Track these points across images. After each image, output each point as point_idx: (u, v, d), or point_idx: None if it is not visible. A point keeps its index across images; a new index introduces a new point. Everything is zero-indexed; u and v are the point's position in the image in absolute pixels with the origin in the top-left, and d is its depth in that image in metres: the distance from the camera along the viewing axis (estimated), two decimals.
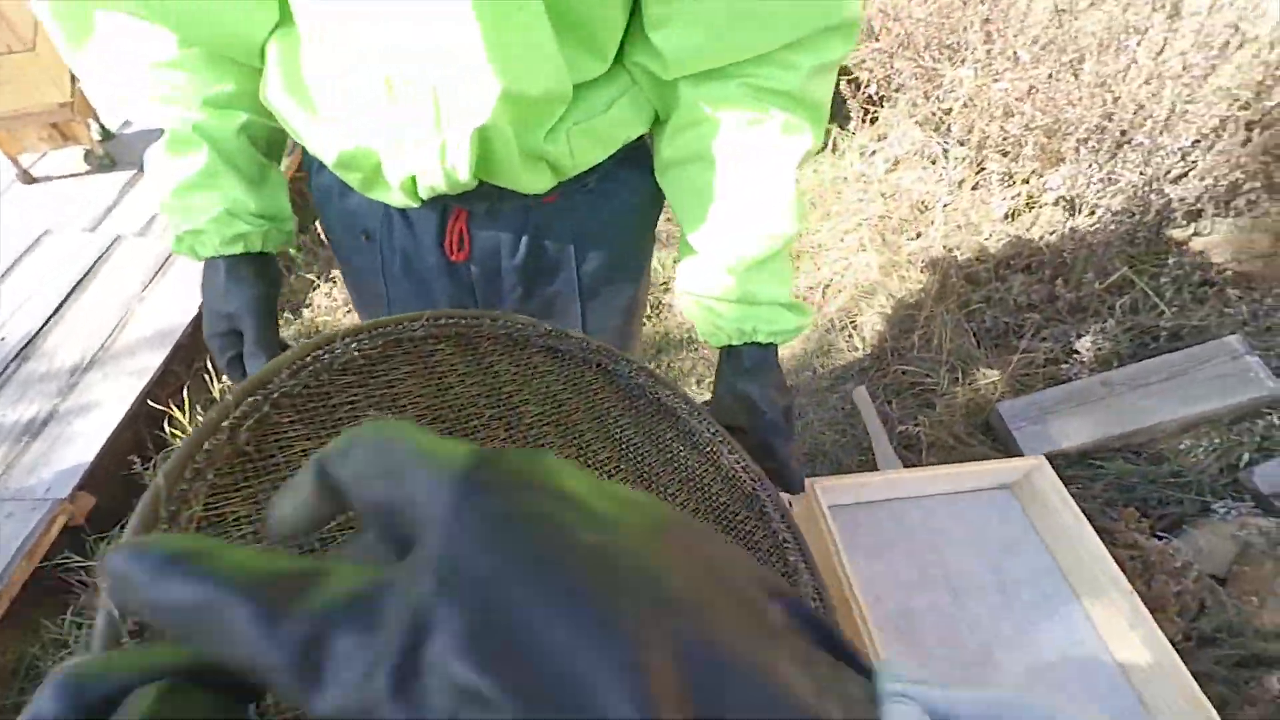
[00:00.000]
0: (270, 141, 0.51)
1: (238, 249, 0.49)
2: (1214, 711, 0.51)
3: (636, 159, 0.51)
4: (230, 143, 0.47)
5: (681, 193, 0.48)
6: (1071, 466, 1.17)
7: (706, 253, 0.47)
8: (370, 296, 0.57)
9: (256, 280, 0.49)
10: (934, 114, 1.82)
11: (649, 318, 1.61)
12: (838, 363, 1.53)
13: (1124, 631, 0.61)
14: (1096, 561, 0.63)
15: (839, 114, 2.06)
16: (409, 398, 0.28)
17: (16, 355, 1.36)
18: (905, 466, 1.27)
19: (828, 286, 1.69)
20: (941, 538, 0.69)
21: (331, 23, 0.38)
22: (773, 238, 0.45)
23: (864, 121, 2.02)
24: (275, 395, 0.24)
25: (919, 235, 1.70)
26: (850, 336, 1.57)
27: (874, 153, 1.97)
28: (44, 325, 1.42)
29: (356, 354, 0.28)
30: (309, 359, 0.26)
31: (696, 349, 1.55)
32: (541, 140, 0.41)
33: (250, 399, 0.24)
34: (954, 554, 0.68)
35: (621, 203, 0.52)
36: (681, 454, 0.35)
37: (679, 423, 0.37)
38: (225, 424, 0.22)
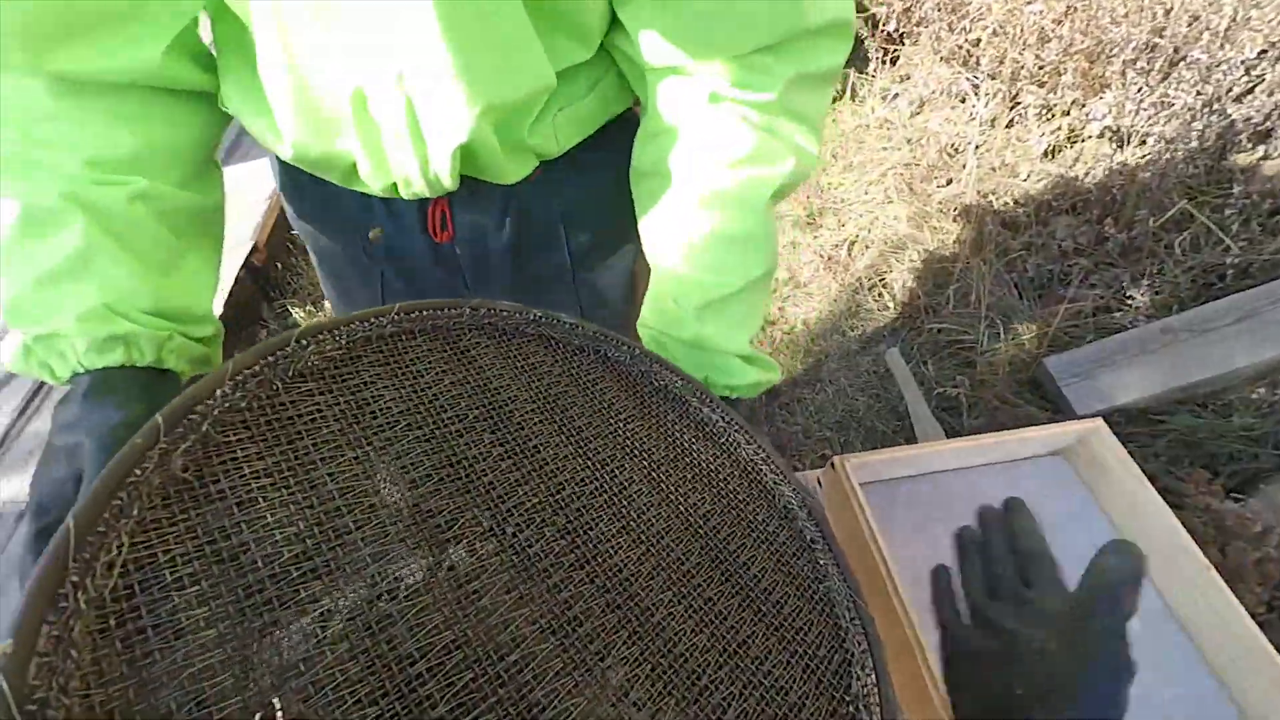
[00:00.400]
0: (191, 217, 0.39)
1: (114, 357, 0.34)
2: None
3: (623, 126, 0.46)
4: (120, 216, 0.35)
5: (643, 207, 0.43)
6: (1130, 424, 1.08)
7: (660, 279, 0.42)
8: (354, 289, 0.53)
9: (131, 403, 0.33)
10: (960, 47, 1.68)
11: None
12: (868, 324, 1.45)
13: (1198, 606, 0.54)
14: (1165, 531, 0.57)
15: (856, 57, 1.92)
16: (379, 403, 0.25)
17: None
18: (945, 430, 1.20)
19: (854, 243, 1.59)
20: None
21: (293, 39, 0.33)
22: (733, 278, 0.39)
23: (884, 63, 1.88)
24: (216, 412, 0.21)
25: (950, 182, 1.58)
26: (880, 295, 1.49)
27: (896, 96, 1.83)
28: None
29: (316, 358, 0.24)
30: (259, 366, 0.23)
31: None
32: (525, 134, 0.39)
33: (187, 418, 0.20)
34: None
35: (608, 172, 0.46)
36: (694, 447, 0.31)
37: (689, 411, 0.33)
38: (154, 451, 0.19)
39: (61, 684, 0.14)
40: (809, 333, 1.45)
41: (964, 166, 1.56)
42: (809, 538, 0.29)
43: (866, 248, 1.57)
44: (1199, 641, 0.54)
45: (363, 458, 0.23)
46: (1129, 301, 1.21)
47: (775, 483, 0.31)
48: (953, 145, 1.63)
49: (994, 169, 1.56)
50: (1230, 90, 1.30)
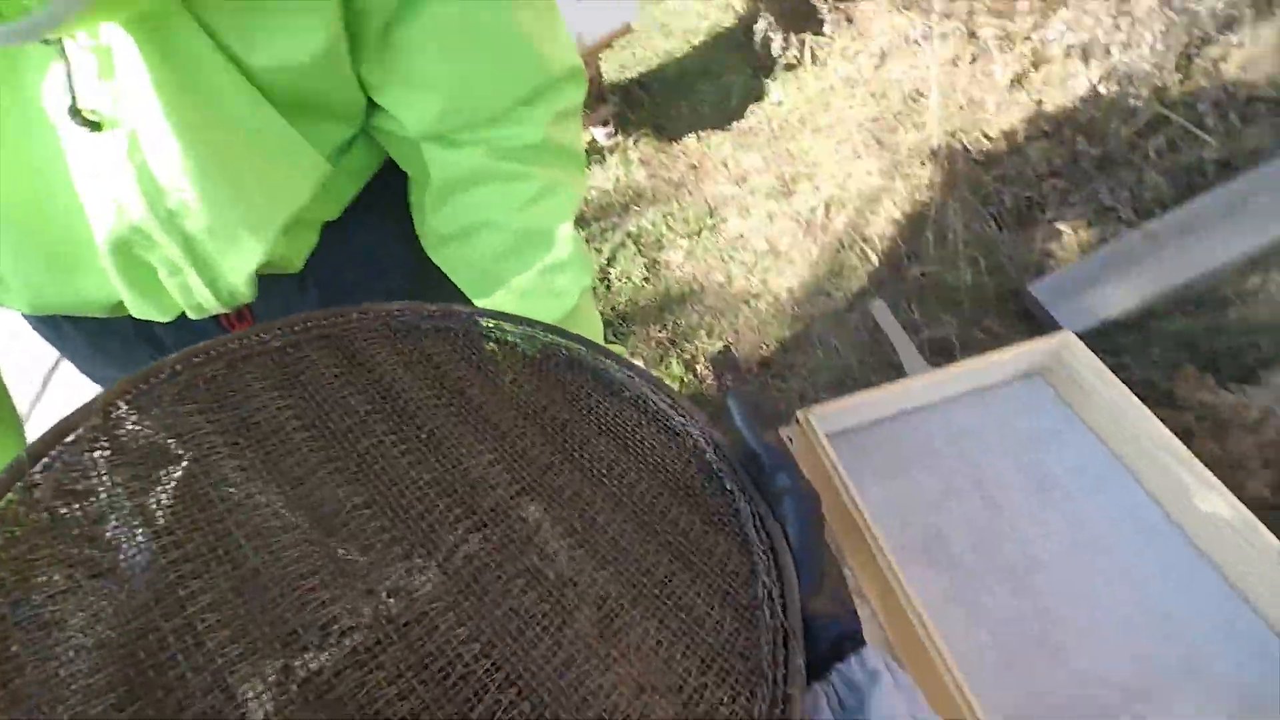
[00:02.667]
0: None
1: None
2: None
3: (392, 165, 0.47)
4: None
5: (458, 269, 0.45)
6: (1124, 334, 1.05)
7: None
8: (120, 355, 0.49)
9: None
10: None
11: (646, 279, 1.56)
12: (852, 281, 1.44)
13: (1192, 504, 0.53)
14: (1148, 435, 0.56)
15: (811, 22, 1.92)
16: (264, 413, 0.25)
17: None
18: None
19: (830, 204, 1.59)
20: (966, 443, 0.63)
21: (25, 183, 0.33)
22: (568, 299, 0.42)
23: (840, 23, 1.87)
24: (99, 434, 0.22)
25: (916, 128, 1.57)
26: (861, 250, 1.48)
27: (857, 53, 1.82)
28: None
29: (201, 376, 0.26)
30: (130, 396, 0.23)
31: (701, 301, 1.50)
32: (308, 212, 0.40)
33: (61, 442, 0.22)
34: (983, 458, 0.61)
35: (381, 225, 0.48)
36: (599, 404, 0.32)
37: (593, 372, 0.34)
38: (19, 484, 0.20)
39: None
40: (793, 299, 1.45)
41: (929, 109, 1.54)
42: (715, 468, 0.30)
43: (843, 206, 1.56)
44: (1194, 537, 0.53)
45: (251, 472, 0.23)
46: (1110, 212, 1.18)
47: (684, 425, 0.32)
48: (916, 90, 1.62)
49: (960, 107, 1.54)
50: None
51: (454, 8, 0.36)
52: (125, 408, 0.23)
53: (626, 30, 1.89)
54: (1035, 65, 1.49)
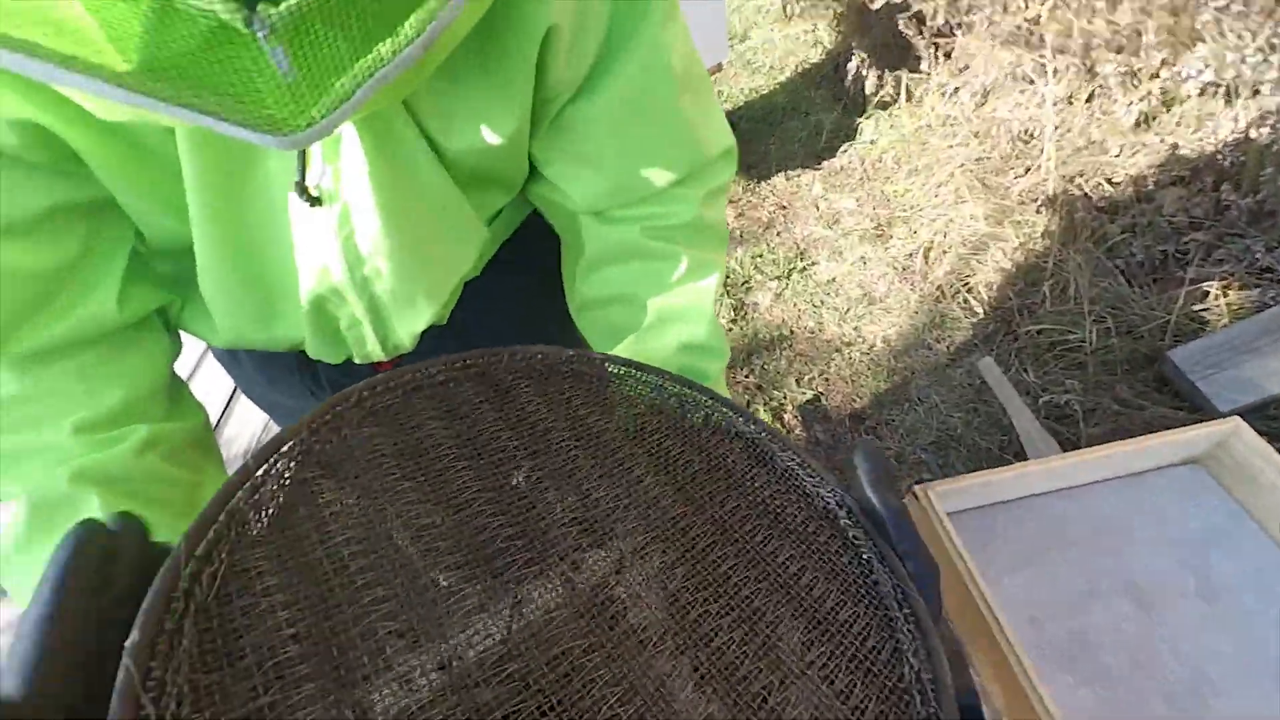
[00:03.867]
0: (194, 445, 0.38)
1: None
2: None
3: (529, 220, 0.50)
4: (134, 474, 0.33)
5: (599, 336, 0.46)
6: None
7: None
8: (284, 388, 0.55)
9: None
10: (1020, 28, 1.59)
11: (733, 322, 1.54)
12: (955, 334, 1.37)
13: None
14: None
15: (907, 58, 1.87)
16: (431, 440, 0.28)
17: None
18: (1060, 443, 1.10)
19: (929, 250, 1.52)
20: (1113, 535, 0.57)
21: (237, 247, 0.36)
22: (700, 379, 0.42)
23: (937, 58, 1.81)
24: (298, 453, 0.25)
25: (1028, 170, 1.48)
26: (965, 301, 1.40)
27: (957, 89, 1.75)
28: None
29: (381, 403, 0.28)
30: (329, 417, 0.26)
31: (791, 346, 1.46)
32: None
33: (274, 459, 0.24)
34: (1134, 553, 0.55)
35: (529, 268, 0.51)
36: (729, 459, 0.32)
37: (722, 427, 0.34)
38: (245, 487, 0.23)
39: (175, 668, 0.17)
40: (890, 350, 1.39)
41: (1041, 151, 1.45)
42: (850, 535, 0.29)
43: (944, 253, 1.49)
44: None
45: (421, 494, 0.25)
46: (1269, 274, 1.06)
47: (814, 486, 0.31)
48: (1026, 131, 1.53)
49: (1079, 149, 1.44)
50: None
51: (626, 92, 0.37)
52: (324, 430, 0.26)
53: (718, 70, 1.91)
54: (1166, 105, 1.38)
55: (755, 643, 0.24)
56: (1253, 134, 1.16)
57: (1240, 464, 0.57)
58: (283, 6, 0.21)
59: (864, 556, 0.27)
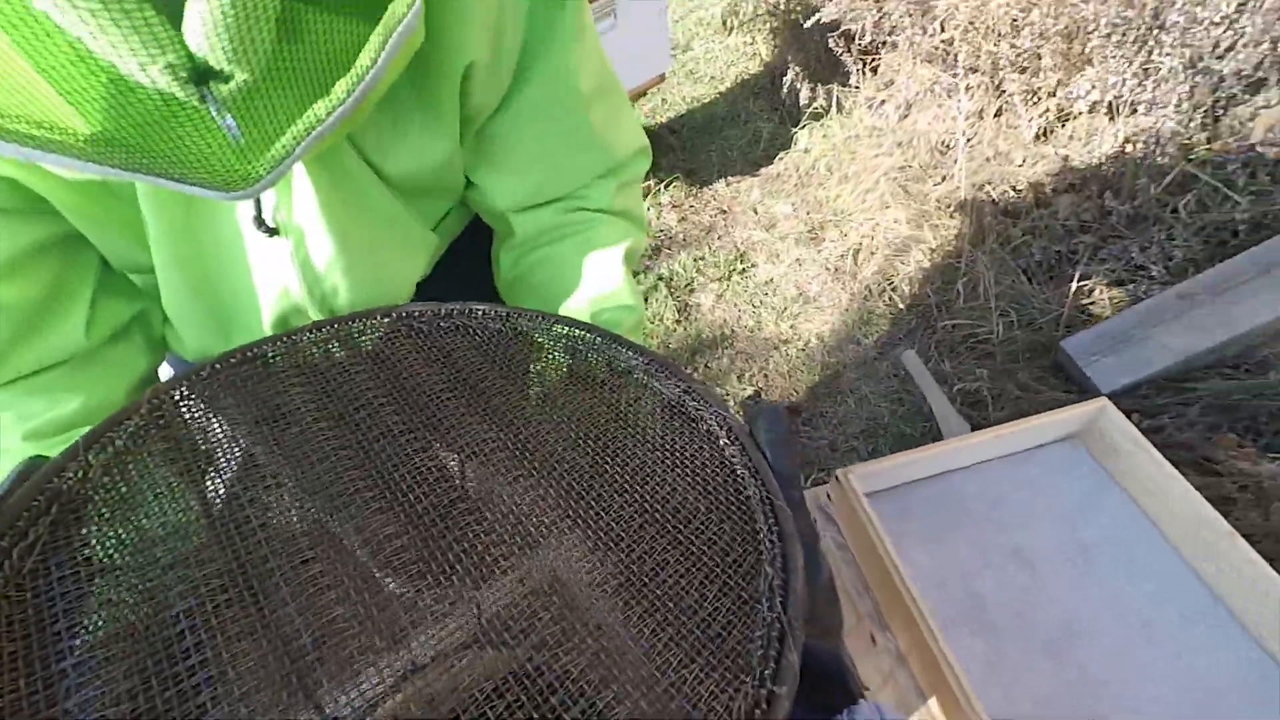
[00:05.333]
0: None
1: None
2: None
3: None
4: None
5: (528, 301, 0.50)
6: (1160, 395, 1.06)
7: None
8: None
9: None
10: (937, 48, 1.72)
11: (677, 322, 1.60)
12: (882, 329, 1.47)
13: (1228, 574, 0.55)
14: (1186, 503, 0.57)
15: (837, 73, 1.98)
16: (291, 403, 0.30)
17: None
18: (972, 425, 1.20)
19: (858, 251, 1.62)
20: (1005, 507, 0.64)
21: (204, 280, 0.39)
22: (614, 329, 0.46)
23: (865, 73, 1.93)
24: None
25: (945, 179, 1.60)
26: (890, 299, 1.50)
27: (883, 102, 1.87)
28: None
29: (234, 376, 0.31)
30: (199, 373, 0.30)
31: (732, 345, 1.53)
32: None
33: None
34: (1021, 523, 0.63)
35: (458, 278, 0.55)
36: (613, 393, 0.33)
37: (610, 361, 0.35)
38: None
39: None
40: (824, 346, 1.48)
41: (956, 161, 1.58)
42: (729, 454, 0.30)
43: (871, 254, 1.59)
44: (1235, 609, 0.54)
45: (276, 453, 0.27)
46: (1142, 271, 1.20)
47: (697, 410, 0.32)
48: (943, 142, 1.65)
49: (988, 159, 1.57)
50: (1215, 47, 1.29)
51: (537, 109, 0.41)
52: (185, 389, 0.29)
53: (661, 79, 1.97)
54: (1061, 121, 1.52)
55: (628, 559, 0.25)
56: (1129, 148, 1.31)
57: (1107, 439, 0.66)
58: (232, 84, 0.24)
59: (738, 473, 0.29)
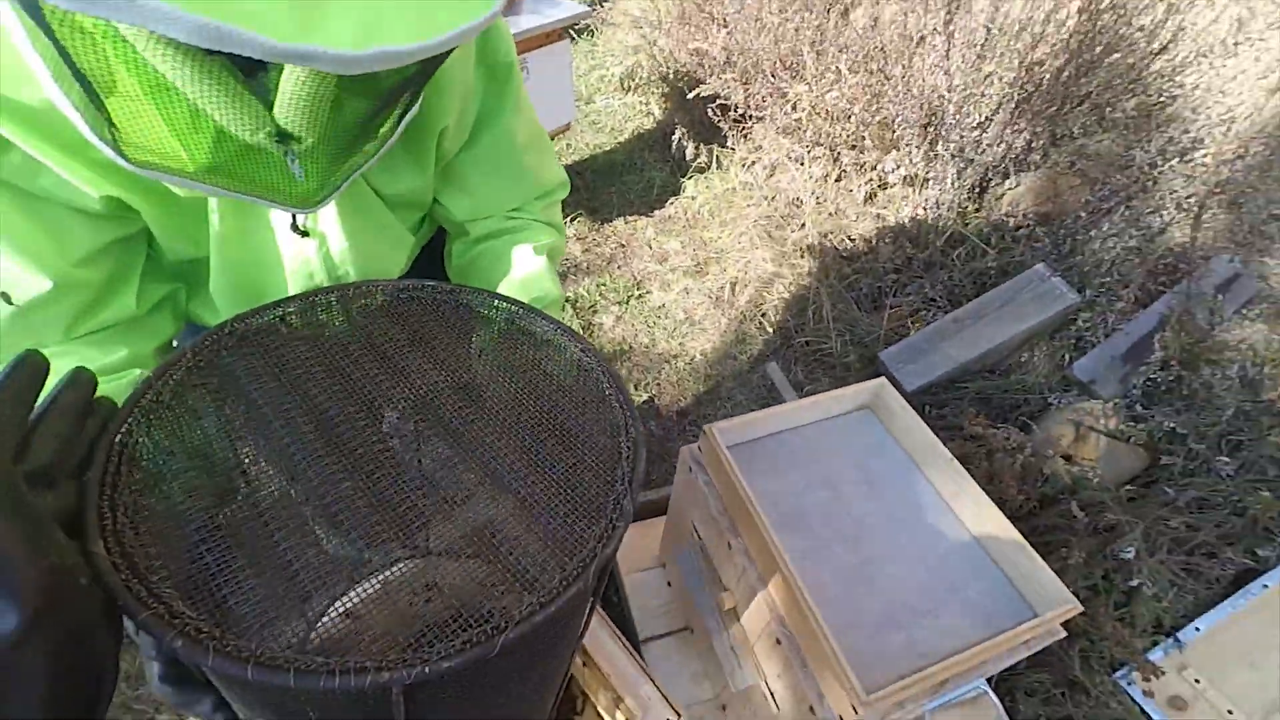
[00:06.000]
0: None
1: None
2: (1032, 551, 0.73)
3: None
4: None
5: (472, 281, 0.65)
6: (945, 391, 1.43)
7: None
8: None
9: None
10: (791, 124, 2.13)
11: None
12: (753, 348, 1.77)
13: (958, 494, 0.83)
14: (933, 447, 0.86)
15: (717, 135, 2.35)
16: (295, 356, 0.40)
17: None
18: None
19: (735, 284, 1.94)
20: (819, 452, 0.90)
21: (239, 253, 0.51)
22: (549, 296, 0.61)
23: (739, 138, 2.31)
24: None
25: (799, 227, 1.98)
26: (760, 323, 1.82)
27: (753, 163, 2.25)
28: None
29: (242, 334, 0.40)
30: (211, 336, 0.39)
31: (630, 358, 1.75)
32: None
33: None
34: (830, 462, 0.89)
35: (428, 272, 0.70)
36: (530, 352, 0.44)
37: (528, 327, 0.44)
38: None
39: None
40: (706, 361, 1.75)
41: (806, 214, 1.96)
42: (603, 388, 0.41)
43: (745, 286, 1.91)
44: (955, 508, 0.82)
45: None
46: (933, 302, 1.60)
47: (581, 355, 0.42)
48: (797, 199, 2.04)
49: (830, 214, 1.97)
50: (978, 143, 1.77)
51: (486, 154, 0.61)
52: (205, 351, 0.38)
53: (567, 128, 2.21)
54: (881, 187, 1.96)
55: (539, 458, 0.38)
56: (922, 213, 1.74)
57: (888, 407, 0.95)
58: (303, 144, 0.38)
59: (614, 406, 0.40)
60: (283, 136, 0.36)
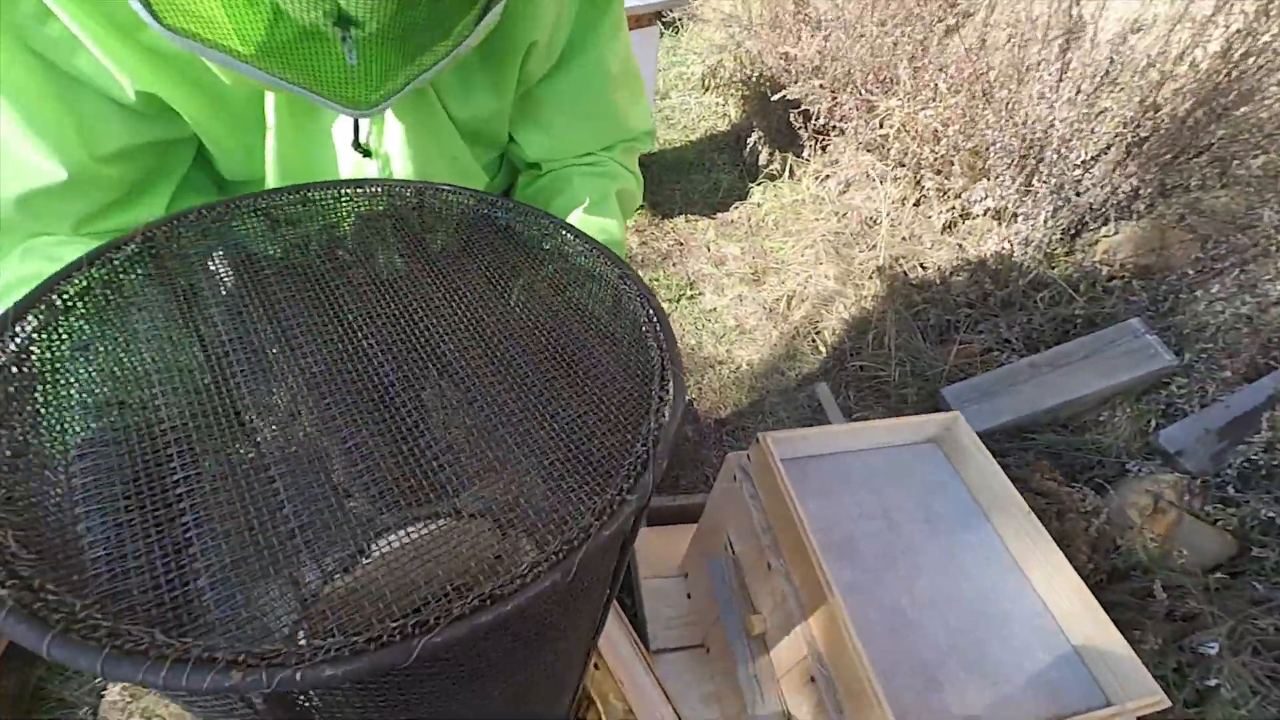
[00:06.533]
0: None
1: None
2: (1114, 629, 0.64)
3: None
4: None
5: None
6: (1008, 440, 1.32)
7: None
8: None
9: None
10: (875, 140, 2.03)
11: None
12: (803, 365, 1.69)
13: (1030, 551, 0.75)
14: (1007, 496, 0.78)
15: (794, 143, 2.27)
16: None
17: None
18: None
19: (792, 298, 1.86)
20: (878, 481, 0.83)
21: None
22: (607, 233, 0.56)
23: (817, 150, 2.23)
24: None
25: (869, 248, 1.88)
26: (814, 341, 1.73)
27: (827, 177, 2.17)
28: None
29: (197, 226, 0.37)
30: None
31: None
32: None
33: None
34: (888, 493, 0.81)
35: None
36: (565, 278, 0.39)
37: (562, 250, 0.40)
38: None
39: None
40: (753, 372, 1.68)
41: (879, 236, 1.87)
42: (645, 331, 0.35)
43: (803, 301, 1.83)
44: (1033, 581, 0.74)
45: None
46: (1007, 343, 1.48)
47: (629, 296, 0.36)
48: (871, 218, 1.95)
49: (904, 239, 1.87)
50: (1078, 183, 1.65)
51: (574, 83, 0.54)
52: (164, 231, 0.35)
53: None
54: (963, 218, 1.85)
55: (566, 407, 0.31)
56: (1006, 248, 1.63)
57: (957, 444, 0.86)
58: (364, 32, 0.34)
59: (648, 343, 0.35)
60: (342, 20, 0.33)
